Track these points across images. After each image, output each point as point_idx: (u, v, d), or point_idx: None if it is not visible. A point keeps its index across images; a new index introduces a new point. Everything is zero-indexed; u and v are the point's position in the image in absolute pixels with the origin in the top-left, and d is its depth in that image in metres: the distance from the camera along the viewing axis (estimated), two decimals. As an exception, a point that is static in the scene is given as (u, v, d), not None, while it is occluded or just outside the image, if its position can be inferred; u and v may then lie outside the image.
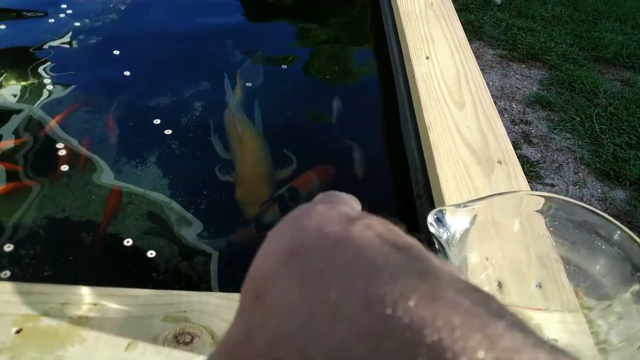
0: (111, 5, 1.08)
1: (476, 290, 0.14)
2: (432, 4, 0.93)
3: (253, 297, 0.16)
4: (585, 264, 0.40)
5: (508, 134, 2.16)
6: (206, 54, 0.99)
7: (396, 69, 0.90)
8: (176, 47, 0.99)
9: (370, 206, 0.68)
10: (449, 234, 0.36)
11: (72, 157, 0.74)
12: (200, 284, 0.60)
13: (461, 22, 2.69)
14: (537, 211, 0.44)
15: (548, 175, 1.95)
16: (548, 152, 2.06)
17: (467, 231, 0.39)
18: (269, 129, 0.83)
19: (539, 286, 0.46)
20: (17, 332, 0.41)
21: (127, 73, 0.90)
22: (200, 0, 1.14)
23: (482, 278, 0.44)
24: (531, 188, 1.90)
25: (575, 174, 1.96)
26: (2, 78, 0.86)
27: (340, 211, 0.18)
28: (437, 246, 0.35)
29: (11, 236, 0.63)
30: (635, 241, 0.35)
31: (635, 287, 0.39)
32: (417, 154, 0.70)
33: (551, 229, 0.44)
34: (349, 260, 0.15)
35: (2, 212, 0.66)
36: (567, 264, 0.43)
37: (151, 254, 0.62)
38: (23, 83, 0.86)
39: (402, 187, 0.74)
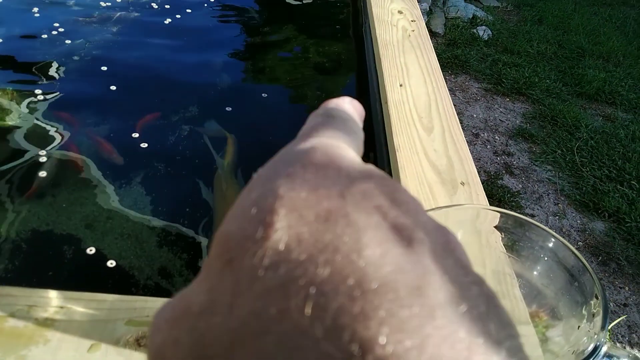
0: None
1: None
2: (409, 35, 0.97)
3: (223, 261, 0.14)
4: (529, 276, 0.43)
5: (490, 165, 2.21)
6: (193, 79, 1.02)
7: (374, 96, 0.93)
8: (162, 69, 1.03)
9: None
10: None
11: (54, 168, 0.76)
12: (167, 291, 0.61)
13: (449, 57, 2.77)
14: (494, 227, 0.46)
15: (528, 205, 1.98)
16: (529, 183, 2.10)
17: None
18: (245, 156, 0.86)
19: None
20: (-17, 332, 0.42)
21: (113, 87, 0.92)
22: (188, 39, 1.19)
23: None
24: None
25: (555, 204, 2.00)
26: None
27: (338, 164, 0.16)
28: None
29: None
30: (568, 248, 0.38)
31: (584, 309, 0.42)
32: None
33: (503, 241, 0.47)
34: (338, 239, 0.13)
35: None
36: (518, 277, 0.45)
37: (125, 263, 0.64)
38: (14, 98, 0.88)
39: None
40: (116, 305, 0.45)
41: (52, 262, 0.64)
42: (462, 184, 0.64)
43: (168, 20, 1.17)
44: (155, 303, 0.45)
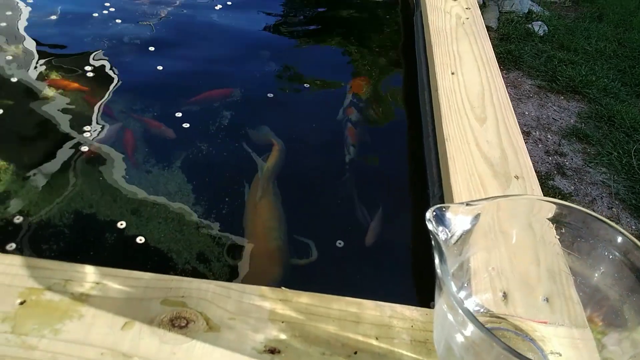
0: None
1: None
2: (463, 22, 0.93)
3: None
4: (590, 275, 0.39)
5: (541, 164, 2.12)
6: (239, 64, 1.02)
7: (422, 85, 0.90)
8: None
9: (388, 220, 0.68)
10: (447, 233, 0.35)
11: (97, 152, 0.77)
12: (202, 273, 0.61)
13: (501, 51, 2.68)
14: (548, 219, 0.43)
15: (581, 208, 1.89)
16: (582, 185, 2.00)
17: (468, 232, 0.38)
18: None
19: (547, 300, 0.44)
20: (21, 303, 0.42)
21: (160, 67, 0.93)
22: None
23: (485, 285, 0.43)
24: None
25: (609, 209, 1.89)
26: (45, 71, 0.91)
27: None
28: (433, 245, 0.34)
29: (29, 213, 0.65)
30: (638, 246, 0.34)
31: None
32: (435, 168, 0.70)
33: (560, 237, 0.43)
34: None
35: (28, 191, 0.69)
36: (574, 275, 0.41)
37: (163, 245, 0.63)
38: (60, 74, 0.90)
39: (420, 201, 0.74)
40: (152, 284, 0.44)
41: (94, 241, 0.65)
42: (517, 177, 0.60)
43: (218, 6, 1.17)
44: (191, 283, 0.44)
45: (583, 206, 1.86)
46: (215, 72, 0.98)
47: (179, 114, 0.83)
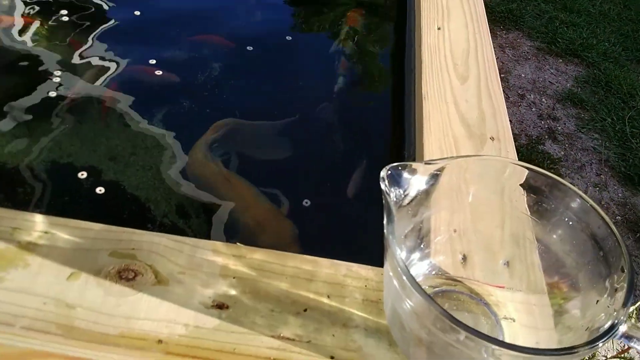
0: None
1: None
2: (454, -25, 0.88)
3: None
4: (550, 240, 0.38)
5: (533, 128, 2.10)
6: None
7: (409, 41, 0.86)
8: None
9: (366, 178, 0.66)
10: (401, 193, 0.34)
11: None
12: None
13: (502, 10, 2.61)
14: (519, 184, 0.41)
15: (568, 174, 1.88)
16: (572, 150, 1.98)
17: (425, 192, 0.37)
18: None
19: (507, 264, 0.43)
20: (-35, 250, 0.41)
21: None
22: None
23: (445, 247, 0.42)
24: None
25: (597, 175, 1.89)
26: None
27: None
28: (384, 204, 0.33)
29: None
30: (597, 212, 0.33)
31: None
32: (413, 128, 0.68)
33: (527, 202, 0.41)
34: None
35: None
36: (538, 242, 0.40)
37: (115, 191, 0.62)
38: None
39: (397, 160, 0.72)
40: (102, 235, 0.43)
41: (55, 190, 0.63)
42: (492, 139, 0.58)
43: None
44: (142, 236, 0.43)
45: (572, 172, 1.86)
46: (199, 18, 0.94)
47: (152, 61, 0.80)
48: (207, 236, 0.61)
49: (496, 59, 0.75)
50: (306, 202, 0.65)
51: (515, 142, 1.80)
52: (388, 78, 0.91)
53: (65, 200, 0.62)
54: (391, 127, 0.80)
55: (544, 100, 2.24)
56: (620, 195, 1.82)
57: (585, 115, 2.16)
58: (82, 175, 0.64)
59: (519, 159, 0.62)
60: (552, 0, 2.93)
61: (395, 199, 0.33)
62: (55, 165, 0.66)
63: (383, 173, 0.33)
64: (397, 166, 0.34)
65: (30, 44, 0.81)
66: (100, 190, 0.62)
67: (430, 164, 0.35)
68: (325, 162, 0.74)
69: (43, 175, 0.64)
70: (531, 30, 2.67)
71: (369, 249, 0.60)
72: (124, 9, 0.91)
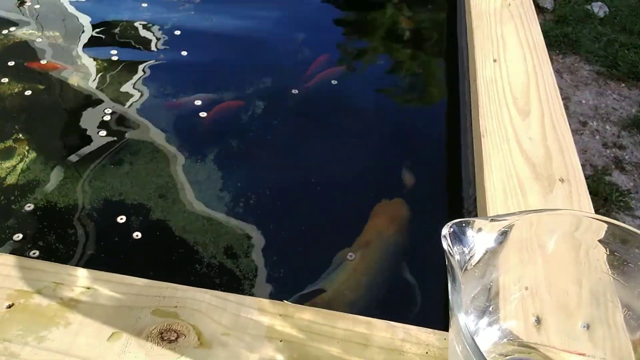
0: None
1: None
2: (509, 4, 0.84)
3: None
4: (636, 304, 0.33)
5: (598, 158, 1.98)
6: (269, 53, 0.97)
7: (463, 74, 0.83)
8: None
9: (419, 221, 0.62)
10: (465, 252, 0.30)
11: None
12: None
13: (557, 34, 2.52)
14: (598, 240, 0.36)
15: (639, 207, 1.75)
16: (642, 180, 1.85)
17: (494, 251, 0.32)
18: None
19: (587, 327, 0.38)
20: (9, 307, 0.40)
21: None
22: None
23: (516, 308, 0.37)
24: (618, 220, 1.73)
25: (672, 207, 1.74)
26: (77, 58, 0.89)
27: None
28: (447, 267, 0.29)
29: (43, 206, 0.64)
30: None
31: None
32: (471, 167, 0.64)
33: (609, 262, 0.36)
34: None
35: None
36: (623, 307, 0.35)
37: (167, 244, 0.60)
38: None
39: (455, 201, 0.68)
40: (144, 291, 0.41)
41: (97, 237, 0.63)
42: (562, 180, 0.53)
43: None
44: (186, 292, 0.41)
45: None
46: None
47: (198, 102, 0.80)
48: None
49: (555, 79, 0.70)
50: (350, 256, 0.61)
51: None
52: (441, 114, 0.87)
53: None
54: (446, 166, 0.76)
55: (607, 127, 2.12)
56: (699, 228, 1.67)
57: (654, 143, 2.02)
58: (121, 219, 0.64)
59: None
60: (610, 22, 2.81)
61: (459, 260, 0.29)
62: (104, 203, 0.65)
63: (445, 231, 0.30)
64: (461, 223, 0.30)
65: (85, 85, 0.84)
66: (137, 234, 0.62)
67: (496, 220, 0.31)
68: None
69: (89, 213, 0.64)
70: (589, 54, 2.56)
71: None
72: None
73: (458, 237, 0.30)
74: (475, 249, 0.31)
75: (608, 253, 0.35)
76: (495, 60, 0.71)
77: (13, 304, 0.40)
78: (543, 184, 0.53)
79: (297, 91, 0.84)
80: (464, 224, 0.31)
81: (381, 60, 1.00)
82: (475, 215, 0.56)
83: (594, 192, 1.80)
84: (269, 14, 1.05)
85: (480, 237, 0.31)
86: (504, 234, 0.32)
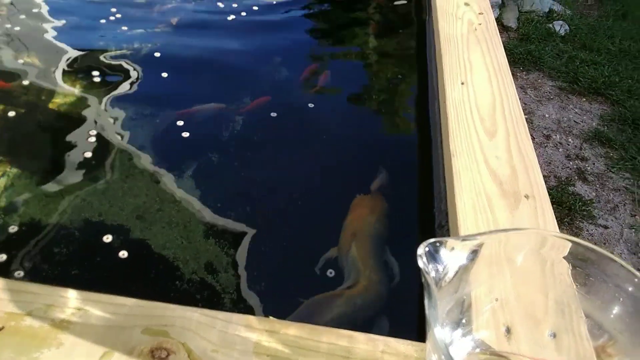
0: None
1: None
2: (475, 29, 0.89)
3: None
4: (600, 317, 0.36)
5: (561, 169, 2.06)
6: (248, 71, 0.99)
7: (433, 95, 0.87)
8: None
9: (393, 234, 0.65)
10: (439, 270, 0.33)
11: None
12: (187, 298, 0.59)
13: (521, 52, 2.62)
14: (562, 257, 0.40)
15: (602, 215, 1.83)
16: (604, 191, 1.94)
17: (466, 267, 0.35)
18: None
19: (554, 335, 0.41)
20: (0, 329, 0.41)
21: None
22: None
23: (487, 319, 0.40)
24: (582, 228, 1.80)
25: (632, 216, 1.83)
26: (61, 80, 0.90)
27: None
28: (424, 284, 0.32)
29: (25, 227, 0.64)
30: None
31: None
32: (442, 183, 0.67)
33: (574, 277, 0.40)
34: None
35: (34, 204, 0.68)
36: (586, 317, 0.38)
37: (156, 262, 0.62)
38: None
39: (427, 216, 0.71)
40: (135, 310, 0.42)
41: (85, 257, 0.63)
42: (527, 197, 0.57)
43: (231, 17, 1.15)
44: (175, 311, 0.42)
45: (605, 213, 1.81)
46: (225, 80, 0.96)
47: (180, 123, 0.82)
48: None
49: (519, 100, 0.74)
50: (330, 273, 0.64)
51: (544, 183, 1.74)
52: (413, 134, 0.91)
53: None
54: (418, 183, 0.79)
55: (570, 140, 2.21)
56: (657, 237, 1.76)
57: (614, 154, 2.12)
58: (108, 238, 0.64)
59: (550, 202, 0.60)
60: (571, 40, 2.94)
61: (434, 277, 0.32)
62: (84, 223, 0.66)
63: (420, 250, 0.33)
64: (435, 242, 0.33)
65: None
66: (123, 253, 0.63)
67: (467, 239, 0.34)
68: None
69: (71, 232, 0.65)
70: (551, 70, 2.67)
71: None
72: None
73: (433, 256, 0.33)
74: (448, 266, 0.33)
75: (571, 268, 0.38)
76: (463, 83, 0.75)
77: (4, 327, 0.41)
78: (509, 201, 0.56)
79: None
80: (437, 244, 0.33)
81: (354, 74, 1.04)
82: (447, 230, 0.60)
83: (558, 202, 1.87)
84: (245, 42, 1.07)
85: (453, 255, 0.34)
86: (475, 252, 0.34)
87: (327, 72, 1.00)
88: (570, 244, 0.36)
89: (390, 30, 1.18)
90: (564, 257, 0.37)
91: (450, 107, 0.70)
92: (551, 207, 0.57)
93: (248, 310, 0.58)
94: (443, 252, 0.33)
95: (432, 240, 0.34)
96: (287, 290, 0.62)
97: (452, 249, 0.34)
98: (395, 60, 1.09)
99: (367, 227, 0.69)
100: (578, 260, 0.37)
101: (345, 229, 0.69)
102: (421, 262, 0.32)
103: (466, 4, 0.98)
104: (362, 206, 0.73)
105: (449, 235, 0.58)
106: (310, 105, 0.91)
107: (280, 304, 0.60)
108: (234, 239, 0.67)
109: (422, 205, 0.76)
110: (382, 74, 1.05)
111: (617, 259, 0.34)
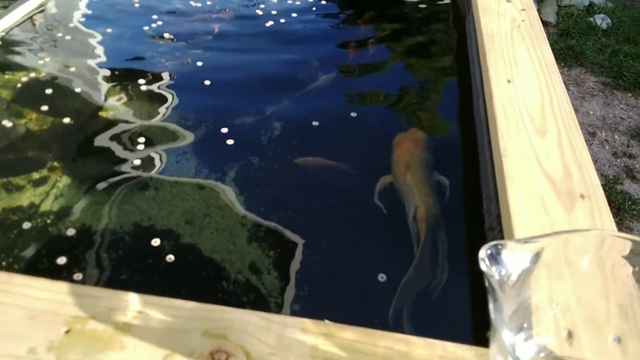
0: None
1: None
2: (519, 25, 0.87)
3: None
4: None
5: (608, 167, 1.99)
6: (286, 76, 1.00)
7: (477, 94, 0.85)
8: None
9: (441, 237, 0.64)
10: (502, 273, 0.32)
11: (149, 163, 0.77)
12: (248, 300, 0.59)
13: (561, 47, 2.56)
14: (622, 256, 0.38)
15: (653, 215, 1.76)
16: (654, 189, 1.86)
17: (528, 271, 0.35)
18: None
19: (618, 340, 0.40)
20: (66, 332, 0.42)
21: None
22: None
23: (548, 324, 0.39)
24: (632, 228, 1.73)
25: (685, 215, 1.75)
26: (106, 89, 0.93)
27: None
28: (487, 287, 0.31)
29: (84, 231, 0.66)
30: None
31: None
32: (492, 184, 0.66)
33: (637, 278, 0.38)
34: None
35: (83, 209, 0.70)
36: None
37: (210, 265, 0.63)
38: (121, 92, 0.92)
39: (476, 218, 0.70)
40: (194, 313, 0.43)
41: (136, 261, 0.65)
42: (582, 197, 0.55)
43: (270, 23, 1.16)
44: (232, 314, 0.43)
45: (656, 213, 1.73)
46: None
47: (224, 130, 0.83)
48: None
49: (568, 97, 0.72)
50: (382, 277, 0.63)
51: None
52: (455, 133, 0.90)
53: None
54: (463, 183, 0.78)
55: (616, 137, 2.14)
56: None
57: (663, 151, 2.04)
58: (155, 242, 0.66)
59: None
60: (614, 34, 2.85)
61: (498, 280, 0.32)
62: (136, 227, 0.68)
63: (482, 254, 0.32)
64: (496, 245, 0.33)
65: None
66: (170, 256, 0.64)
67: (529, 242, 0.33)
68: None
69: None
70: (594, 65, 2.59)
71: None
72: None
73: (495, 259, 0.32)
74: (511, 269, 0.33)
75: (634, 269, 0.37)
76: (509, 81, 0.74)
77: (70, 330, 0.42)
78: (564, 201, 0.55)
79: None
80: (499, 246, 0.33)
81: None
82: (500, 232, 0.58)
83: (607, 201, 1.81)
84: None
85: (515, 258, 0.33)
86: (537, 255, 0.34)
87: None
88: (630, 244, 0.34)
89: (428, 28, 1.17)
90: (625, 257, 0.35)
91: (498, 105, 0.69)
92: (607, 207, 0.55)
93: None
94: (505, 255, 0.33)
95: (493, 242, 0.33)
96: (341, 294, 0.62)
97: (515, 251, 0.33)
98: (433, 58, 1.07)
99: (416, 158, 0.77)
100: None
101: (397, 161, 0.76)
102: (484, 265, 0.32)
103: (508, 1, 0.96)
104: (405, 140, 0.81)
105: (501, 238, 0.57)
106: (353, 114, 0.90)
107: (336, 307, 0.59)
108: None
109: (467, 209, 0.75)
110: (419, 73, 1.04)
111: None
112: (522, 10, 0.92)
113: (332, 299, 0.62)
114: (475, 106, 0.83)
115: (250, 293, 0.62)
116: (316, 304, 0.60)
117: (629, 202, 1.79)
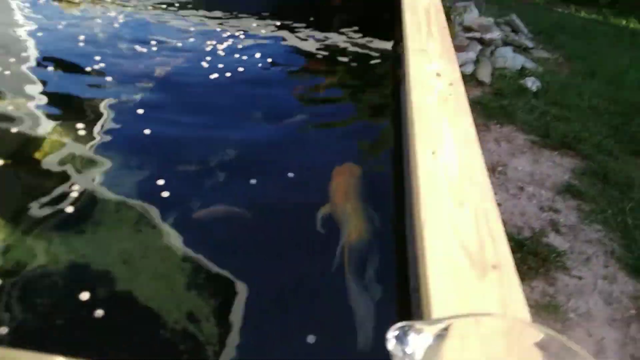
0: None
1: None
2: (445, 99, 0.95)
3: None
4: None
5: (535, 221, 2.13)
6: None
7: (407, 164, 0.91)
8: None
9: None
10: (407, 352, 0.36)
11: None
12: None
13: (494, 107, 2.73)
14: (533, 344, 0.42)
15: (575, 266, 1.88)
16: (577, 242, 2.00)
17: (433, 348, 0.38)
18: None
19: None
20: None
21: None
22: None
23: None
24: (557, 278, 1.84)
25: (605, 267, 1.88)
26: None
27: None
28: (393, 365, 0.34)
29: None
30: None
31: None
32: (415, 250, 0.70)
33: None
34: None
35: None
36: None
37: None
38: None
39: (402, 279, 0.74)
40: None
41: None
42: (494, 267, 0.60)
43: (214, 75, 1.20)
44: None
45: (579, 264, 1.85)
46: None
47: (160, 182, 0.85)
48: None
49: (492, 152, 0.79)
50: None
51: (518, 234, 1.84)
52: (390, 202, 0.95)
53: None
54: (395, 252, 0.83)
55: (543, 192, 2.29)
56: (631, 288, 1.81)
57: (585, 207, 2.20)
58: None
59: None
60: (543, 96, 3.08)
61: (402, 358, 0.35)
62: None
63: (390, 335, 0.35)
64: (404, 327, 0.36)
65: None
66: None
67: (434, 323, 0.37)
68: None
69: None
70: (524, 124, 2.79)
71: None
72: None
73: (401, 339, 0.36)
74: (416, 349, 0.36)
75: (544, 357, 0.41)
76: (433, 153, 0.80)
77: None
78: (477, 271, 0.60)
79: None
80: (406, 327, 0.37)
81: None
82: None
83: (533, 253, 1.92)
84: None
85: (421, 338, 0.37)
86: (442, 335, 0.38)
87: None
88: (541, 334, 0.39)
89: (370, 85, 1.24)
90: (534, 345, 0.40)
91: (422, 177, 0.74)
92: (517, 277, 0.60)
93: None
94: (412, 337, 0.36)
95: (401, 324, 0.37)
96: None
97: (420, 332, 0.37)
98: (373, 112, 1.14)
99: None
100: (546, 348, 0.40)
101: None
102: (391, 345, 0.35)
103: (438, 74, 1.04)
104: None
105: (421, 301, 0.61)
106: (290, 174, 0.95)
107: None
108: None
109: (398, 268, 0.80)
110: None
111: (581, 351, 0.37)
112: (450, 85, 1.01)
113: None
114: (405, 177, 0.89)
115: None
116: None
117: (554, 254, 1.90)
